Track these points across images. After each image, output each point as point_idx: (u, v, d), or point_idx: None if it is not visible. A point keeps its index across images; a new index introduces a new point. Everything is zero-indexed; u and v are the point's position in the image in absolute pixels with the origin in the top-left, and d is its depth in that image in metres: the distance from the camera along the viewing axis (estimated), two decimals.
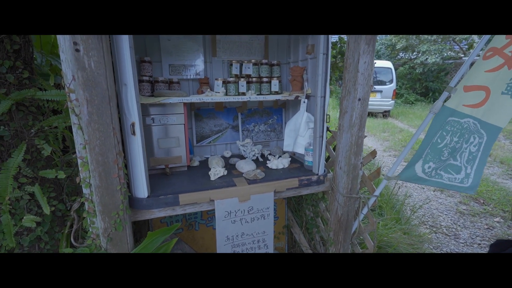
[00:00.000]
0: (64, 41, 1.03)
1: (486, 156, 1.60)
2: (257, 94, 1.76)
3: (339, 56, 2.46)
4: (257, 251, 1.63)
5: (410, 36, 12.17)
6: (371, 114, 9.66)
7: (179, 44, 1.81)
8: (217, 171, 1.60)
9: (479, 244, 2.71)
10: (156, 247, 1.29)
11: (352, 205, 1.69)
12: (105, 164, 1.16)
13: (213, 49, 1.89)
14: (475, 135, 1.56)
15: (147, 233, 1.35)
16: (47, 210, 1.23)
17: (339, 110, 1.64)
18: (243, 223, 1.52)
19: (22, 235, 1.36)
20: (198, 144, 2.02)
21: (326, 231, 1.92)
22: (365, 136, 1.61)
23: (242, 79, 1.72)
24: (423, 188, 3.91)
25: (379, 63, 9.33)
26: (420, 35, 11.93)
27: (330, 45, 1.48)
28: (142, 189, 1.32)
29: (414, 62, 12.39)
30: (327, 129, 2.25)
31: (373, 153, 1.67)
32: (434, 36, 11.67)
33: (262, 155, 2.04)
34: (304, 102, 1.73)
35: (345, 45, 2.37)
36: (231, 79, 1.72)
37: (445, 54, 11.77)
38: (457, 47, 12.26)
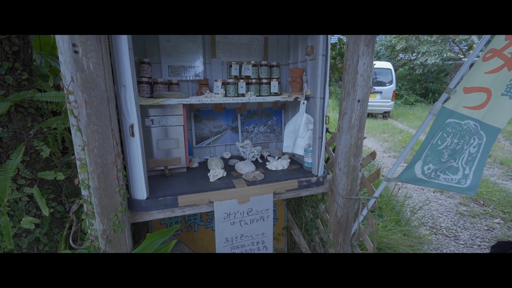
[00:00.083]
0: (63, 43, 1.03)
1: (486, 157, 1.60)
2: (257, 96, 1.76)
3: (339, 57, 2.46)
4: (257, 253, 1.63)
5: (410, 37, 12.18)
6: (371, 115, 9.66)
7: (179, 46, 1.81)
8: (216, 172, 1.60)
9: (479, 245, 2.71)
10: (155, 249, 1.28)
11: (351, 207, 1.69)
12: (104, 166, 1.16)
13: (213, 50, 1.89)
14: (475, 136, 1.56)
15: (146, 234, 1.35)
16: (45, 211, 1.23)
17: (338, 111, 1.64)
18: (243, 225, 1.52)
19: (21, 237, 1.35)
20: (197, 145, 2.01)
21: (325, 233, 1.91)
22: (365, 138, 1.61)
23: (241, 80, 1.72)
24: (423, 189, 3.91)
25: (379, 64, 9.33)
26: (420, 36, 11.95)
27: (329, 46, 1.48)
28: (141, 191, 1.31)
29: (414, 63, 12.40)
30: (327, 130, 2.25)
31: (373, 155, 1.67)
32: (434, 37, 11.68)
33: (262, 156, 2.04)
34: (303, 103, 1.73)
35: (344, 46, 2.37)
36: (231, 80, 1.72)
37: (445, 55, 11.78)
38: (457, 48, 12.27)
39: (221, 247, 1.52)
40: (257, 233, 1.58)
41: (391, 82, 9.01)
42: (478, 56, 1.50)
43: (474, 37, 11.24)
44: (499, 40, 1.41)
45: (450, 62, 12.10)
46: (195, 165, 1.84)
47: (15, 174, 1.24)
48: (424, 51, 11.73)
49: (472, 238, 2.82)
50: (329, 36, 1.46)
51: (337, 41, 2.45)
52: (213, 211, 1.46)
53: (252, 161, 1.91)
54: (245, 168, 1.68)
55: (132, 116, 1.22)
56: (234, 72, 1.80)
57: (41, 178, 1.36)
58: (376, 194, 1.68)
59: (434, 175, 1.63)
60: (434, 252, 2.60)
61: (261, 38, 1.98)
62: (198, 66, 1.88)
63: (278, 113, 2.20)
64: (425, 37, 11.80)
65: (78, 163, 1.16)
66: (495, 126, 1.53)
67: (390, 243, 2.43)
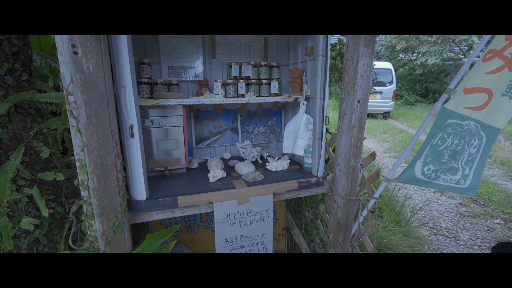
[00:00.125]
0: (62, 44, 1.03)
1: (486, 158, 1.60)
2: (256, 96, 1.76)
3: (339, 57, 2.46)
4: (256, 253, 1.63)
5: (410, 37, 12.18)
6: (371, 115, 9.65)
7: (178, 46, 1.81)
8: (216, 173, 1.60)
9: (480, 246, 2.70)
10: (154, 249, 1.28)
11: (351, 207, 1.69)
12: (104, 167, 1.15)
13: (213, 51, 1.89)
14: (475, 137, 1.56)
15: (146, 235, 1.34)
16: (45, 212, 1.23)
17: (338, 112, 1.64)
18: (242, 226, 1.52)
19: (20, 237, 1.35)
20: (197, 146, 2.01)
21: (325, 233, 1.91)
22: (365, 138, 1.61)
23: (241, 81, 1.72)
24: (423, 190, 3.91)
25: (379, 64, 9.33)
26: (420, 37, 11.94)
27: (329, 47, 1.48)
28: (140, 192, 1.31)
29: (414, 63, 12.39)
30: (327, 130, 2.25)
31: (373, 155, 1.67)
32: (434, 37, 11.67)
33: (262, 157, 2.04)
34: (303, 104, 1.73)
35: (344, 46, 2.37)
36: (230, 81, 1.72)
37: (445, 55, 11.77)
38: (457, 48, 12.26)
39: (221, 248, 1.52)
40: (257, 234, 1.58)
41: (391, 83, 9.01)
42: (479, 57, 1.50)
43: (475, 38, 11.23)
44: (499, 41, 1.41)
45: (450, 63, 12.09)
46: (195, 165, 1.84)
47: (14, 175, 1.24)
48: (424, 51, 11.72)
49: (473, 239, 2.82)
50: (329, 36, 1.46)
51: (337, 42, 2.45)
52: (213, 212, 1.45)
53: (252, 162, 1.91)
54: (245, 168, 1.68)
55: (131, 117, 1.22)
56: (234, 72, 1.80)
57: (41, 179, 1.36)
58: (376, 194, 1.68)
59: (435, 175, 1.63)
60: (434, 252, 2.60)
61: (261, 38, 1.98)
62: (198, 67, 1.88)
63: (278, 113, 2.20)
64: (425, 37, 11.80)
65: (77, 164, 1.16)
66: (495, 127, 1.53)
67: (390, 243, 2.43)
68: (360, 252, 1.87)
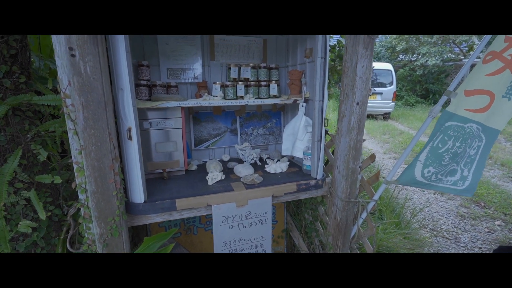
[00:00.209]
0: (59, 46, 1.03)
1: (485, 159, 1.59)
2: (256, 98, 1.76)
3: (338, 59, 2.45)
4: (254, 253, 1.62)
5: (410, 38, 12.17)
6: (371, 116, 9.64)
7: (177, 48, 1.80)
8: (214, 175, 1.59)
9: (480, 248, 2.69)
10: (153, 252, 1.28)
11: (351, 210, 1.68)
12: (101, 170, 1.15)
13: (211, 52, 1.89)
14: (476, 139, 1.55)
15: (144, 238, 1.34)
16: (42, 215, 1.22)
17: (337, 114, 1.63)
18: (241, 228, 1.51)
19: (18, 240, 1.35)
20: (196, 148, 2.01)
21: (325, 235, 1.90)
22: (364, 140, 1.60)
23: (240, 83, 1.72)
24: (424, 191, 3.89)
25: (379, 65, 9.32)
26: (420, 37, 11.93)
27: (328, 48, 1.47)
28: (138, 194, 1.31)
29: (414, 64, 12.38)
30: (326, 132, 2.24)
31: (372, 157, 1.66)
32: (434, 38, 11.67)
33: (261, 159, 2.03)
34: (302, 106, 1.73)
35: (343, 48, 2.36)
36: (229, 82, 1.71)
37: (445, 56, 11.76)
38: (457, 49, 12.25)
39: (219, 250, 1.51)
40: (256, 236, 1.57)
41: (391, 83, 9.00)
42: (479, 57, 1.49)
43: (475, 38, 11.22)
44: (499, 42, 1.40)
45: (450, 63, 12.08)
46: (194, 167, 1.83)
47: (12, 178, 1.23)
48: (424, 52, 11.71)
49: (473, 241, 2.81)
50: (327, 38, 1.46)
51: (336, 43, 2.44)
52: (212, 214, 1.45)
53: (251, 164, 1.91)
54: (243, 171, 1.67)
55: (129, 119, 1.22)
56: (233, 74, 1.80)
57: (39, 182, 1.36)
58: (376, 197, 1.67)
59: (435, 178, 1.62)
60: (430, 252, 2.58)
61: (260, 40, 1.98)
62: (196, 69, 1.87)
63: (278, 115, 2.19)
64: (426, 38, 11.79)
65: (75, 166, 1.16)
66: (495, 128, 1.52)
67: (390, 246, 2.42)
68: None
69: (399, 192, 3.65)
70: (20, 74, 1.31)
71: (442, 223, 3.14)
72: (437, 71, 12.21)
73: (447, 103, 1.60)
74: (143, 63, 1.63)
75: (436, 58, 11.40)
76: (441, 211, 3.40)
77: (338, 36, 2.78)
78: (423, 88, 12.48)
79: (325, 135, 1.65)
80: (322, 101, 1.54)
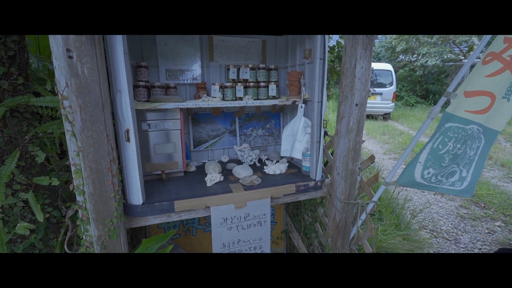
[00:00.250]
0: (57, 48, 1.03)
1: (484, 160, 1.59)
2: (255, 99, 1.75)
3: (337, 60, 2.45)
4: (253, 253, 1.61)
5: (410, 38, 12.16)
6: (371, 117, 9.64)
7: (176, 49, 1.80)
8: (213, 177, 1.59)
9: (480, 249, 2.69)
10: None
11: (350, 211, 1.68)
12: (99, 172, 1.15)
13: (210, 53, 1.89)
14: (476, 140, 1.55)
15: (142, 240, 1.33)
16: (40, 217, 1.22)
17: (336, 115, 1.63)
18: (240, 230, 1.51)
19: (16, 242, 1.34)
20: (195, 149, 2.00)
21: (324, 237, 1.89)
22: (363, 141, 1.60)
23: (239, 84, 1.71)
24: (423, 192, 3.89)
25: (379, 65, 9.32)
26: (420, 38, 11.92)
27: (327, 49, 1.47)
28: (136, 196, 1.30)
29: (414, 64, 12.38)
30: (326, 133, 2.24)
31: (371, 159, 1.66)
32: (434, 39, 11.66)
33: (260, 160, 2.03)
34: (301, 107, 1.72)
35: (342, 49, 2.36)
36: (228, 83, 1.71)
37: (445, 57, 11.76)
38: (457, 49, 12.25)
39: (218, 252, 1.51)
40: (255, 238, 1.56)
41: (391, 84, 9.00)
42: (479, 58, 1.49)
43: (475, 39, 11.22)
44: (498, 43, 1.40)
45: (450, 64, 12.08)
46: (193, 169, 1.83)
47: (10, 180, 1.23)
48: (424, 52, 11.71)
49: (473, 242, 2.80)
50: (326, 39, 1.45)
51: (335, 44, 2.44)
52: (210, 216, 1.44)
53: (250, 165, 1.90)
54: (242, 172, 1.67)
55: (127, 121, 1.21)
56: (232, 75, 1.79)
57: (37, 183, 1.36)
58: (375, 198, 1.66)
59: (435, 179, 1.62)
60: (427, 253, 2.58)
61: (259, 41, 1.97)
62: (195, 70, 1.87)
63: (277, 116, 2.19)
64: (426, 38, 11.79)
65: (73, 168, 1.15)
66: (494, 129, 1.52)
67: (389, 247, 2.41)
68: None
69: (398, 193, 3.65)
70: (18, 76, 1.31)
71: (442, 224, 3.13)
72: (437, 71, 12.21)
73: (446, 103, 1.60)
74: (141, 64, 1.63)
75: (436, 58, 11.40)
76: (441, 212, 3.39)
77: (338, 37, 2.78)
78: (423, 88, 12.48)
79: (324, 136, 1.64)
80: (321, 102, 1.53)
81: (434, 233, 2.94)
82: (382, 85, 9.05)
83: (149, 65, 1.73)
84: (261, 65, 1.82)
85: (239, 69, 1.80)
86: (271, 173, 1.75)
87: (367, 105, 1.52)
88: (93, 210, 1.18)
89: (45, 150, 1.47)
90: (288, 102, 1.72)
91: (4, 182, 1.18)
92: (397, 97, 11.61)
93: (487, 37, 1.44)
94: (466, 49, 11.89)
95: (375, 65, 9.24)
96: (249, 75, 1.78)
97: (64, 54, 1.01)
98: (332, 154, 1.78)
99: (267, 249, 1.62)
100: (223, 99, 1.70)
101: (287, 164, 1.86)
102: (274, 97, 1.79)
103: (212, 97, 1.69)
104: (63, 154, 1.65)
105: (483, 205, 3.52)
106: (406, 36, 12.05)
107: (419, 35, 11.66)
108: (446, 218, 3.24)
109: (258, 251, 1.61)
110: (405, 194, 3.77)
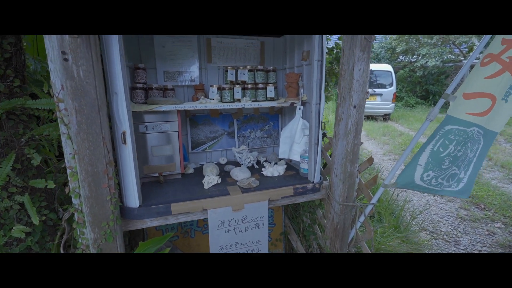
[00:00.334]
0: (52, 50, 1.02)
1: (481, 161, 1.59)
2: (253, 101, 1.75)
3: (336, 62, 2.44)
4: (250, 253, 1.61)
5: (410, 39, 12.16)
6: (371, 117, 9.63)
7: (174, 51, 1.80)
8: (210, 179, 1.58)
9: (480, 250, 2.67)
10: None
11: (348, 213, 1.67)
12: (95, 174, 1.14)
13: (208, 55, 1.88)
14: (476, 142, 1.54)
15: (140, 242, 1.33)
16: (35, 220, 1.21)
17: (334, 117, 1.62)
18: (237, 233, 1.50)
19: (12, 245, 1.33)
20: (193, 151, 2.00)
21: (323, 239, 1.89)
22: (362, 143, 1.59)
23: (237, 86, 1.71)
24: (423, 193, 3.88)
25: (379, 66, 9.31)
26: (420, 38, 11.92)
27: (325, 51, 1.46)
28: (133, 199, 1.30)
29: (414, 65, 12.37)
30: (325, 135, 2.23)
31: (370, 161, 1.65)
32: (434, 39, 11.65)
33: (258, 162, 2.02)
34: (299, 108, 1.72)
35: (341, 51, 2.35)
36: (226, 85, 1.70)
37: (445, 57, 11.75)
38: (457, 50, 12.24)
39: None
40: (252, 240, 1.55)
41: (391, 85, 8.98)
42: (478, 58, 1.48)
43: (475, 39, 11.21)
44: (496, 45, 1.39)
45: (450, 64, 12.07)
46: (191, 171, 1.82)
47: (6, 182, 1.23)
48: (424, 53, 11.70)
49: (473, 243, 2.79)
50: (324, 41, 1.45)
51: (334, 46, 2.44)
52: (208, 218, 1.43)
53: (248, 167, 1.89)
54: (240, 174, 1.66)
55: (124, 123, 1.21)
56: (230, 77, 1.79)
57: (33, 186, 1.35)
58: (374, 200, 1.66)
59: (435, 182, 1.61)
60: (425, 253, 2.56)
61: (257, 42, 1.97)
62: (193, 71, 1.87)
63: (275, 118, 2.18)
64: (425, 39, 11.78)
65: (68, 171, 1.15)
66: (493, 131, 1.51)
67: (388, 249, 2.40)
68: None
69: (398, 194, 3.63)
70: (15, 78, 1.31)
71: (441, 225, 3.12)
72: (437, 72, 12.21)
73: (446, 104, 1.59)
74: (139, 66, 1.62)
75: (436, 59, 11.39)
76: (441, 213, 3.38)
77: (336, 38, 2.78)
78: (423, 89, 12.47)
79: (322, 138, 1.63)
80: (319, 104, 1.52)
81: (434, 235, 2.92)
82: (382, 86, 9.04)
83: (147, 67, 1.73)
84: (259, 67, 1.81)
85: (237, 70, 1.79)
86: (269, 175, 1.74)
87: (367, 106, 1.52)
88: (89, 213, 1.17)
89: (42, 152, 1.46)
90: (286, 104, 1.72)
91: (0, 185, 1.18)
92: (397, 98, 11.61)
93: (486, 38, 1.43)
94: (466, 50, 11.89)
95: (375, 66, 9.24)
96: (247, 76, 1.78)
97: (60, 57, 1.01)
98: (330, 156, 1.78)
99: (264, 252, 1.61)
100: (221, 101, 1.70)
101: (285, 166, 1.86)
102: (272, 99, 1.79)
103: (210, 99, 1.69)
104: (62, 156, 1.65)
105: (483, 206, 3.51)
106: (406, 37, 12.04)
107: (419, 36, 11.66)
108: (446, 220, 3.23)
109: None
110: (404, 195, 3.76)
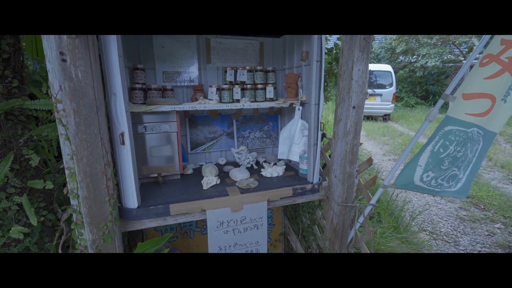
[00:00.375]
0: (50, 51, 1.02)
1: (480, 161, 1.58)
2: (252, 101, 1.75)
3: (335, 62, 2.44)
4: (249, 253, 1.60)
5: (410, 39, 12.16)
6: (371, 118, 9.62)
7: (173, 51, 1.79)
8: (209, 180, 1.58)
9: (480, 251, 2.67)
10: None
11: (347, 214, 1.66)
12: (93, 175, 1.14)
13: (208, 55, 1.88)
14: (476, 143, 1.54)
15: (139, 243, 1.32)
16: (34, 221, 1.21)
17: (334, 118, 1.62)
18: (236, 233, 1.50)
19: (10, 246, 1.33)
20: (192, 152, 1.99)
21: (322, 239, 1.88)
22: (361, 144, 1.58)
23: (236, 86, 1.71)
24: (423, 194, 3.87)
25: (379, 66, 9.31)
26: (420, 39, 11.92)
27: (323, 52, 1.46)
28: (132, 200, 1.29)
29: (414, 65, 12.37)
30: (324, 135, 2.23)
31: (369, 161, 1.65)
32: (434, 40, 11.65)
33: (257, 162, 2.02)
34: (298, 109, 1.71)
35: (340, 51, 2.35)
36: (226, 86, 1.70)
37: (445, 58, 11.75)
38: (457, 50, 12.24)
39: None
40: (251, 241, 1.55)
41: (391, 85, 8.98)
42: (477, 58, 1.48)
43: (475, 40, 11.20)
44: (495, 45, 1.39)
45: (450, 65, 12.07)
46: (190, 171, 1.82)
47: (4, 183, 1.22)
48: (424, 53, 11.70)
49: (473, 244, 2.78)
50: (323, 41, 1.45)
51: (333, 46, 2.43)
52: (206, 219, 1.43)
53: (247, 168, 1.89)
54: (239, 175, 1.66)
55: (122, 124, 1.20)
56: (229, 77, 1.79)
57: (31, 187, 1.35)
58: (373, 201, 1.65)
59: (435, 182, 1.61)
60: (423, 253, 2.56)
61: (257, 43, 1.97)
62: (192, 72, 1.86)
63: (274, 118, 2.18)
64: (425, 39, 11.78)
65: (67, 172, 1.14)
66: (493, 131, 1.51)
67: (387, 250, 2.39)
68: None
69: (397, 195, 3.63)
70: (13, 79, 1.30)
71: (441, 226, 3.11)
72: (437, 72, 12.20)
73: (446, 104, 1.58)
74: (138, 66, 1.62)
75: (436, 59, 11.39)
76: (441, 213, 3.38)
77: (336, 39, 2.77)
78: (423, 89, 12.47)
79: (322, 138, 1.63)
80: (318, 104, 1.52)
81: (434, 236, 2.92)
82: (382, 86, 9.03)
83: (146, 67, 1.73)
84: (259, 67, 1.81)
85: (237, 71, 1.79)
86: (268, 175, 1.74)
87: (367, 106, 1.52)
88: (87, 214, 1.17)
89: (41, 153, 1.46)
90: (285, 104, 1.72)
91: None
92: (397, 98, 11.61)
93: (486, 38, 1.43)
94: (466, 50, 11.88)
95: (375, 66, 9.23)
96: (246, 77, 1.77)
97: (58, 58, 1.00)
98: (330, 156, 1.78)
99: (263, 253, 1.61)
100: (220, 101, 1.70)
101: (285, 166, 1.85)
102: (271, 99, 1.78)
103: (209, 99, 1.69)
104: (61, 156, 1.64)
105: (482, 207, 3.51)
106: (406, 37, 12.04)
107: (419, 36, 11.66)
108: (445, 220, 3.23)
109: None
110: (404, 196, 3.75)
